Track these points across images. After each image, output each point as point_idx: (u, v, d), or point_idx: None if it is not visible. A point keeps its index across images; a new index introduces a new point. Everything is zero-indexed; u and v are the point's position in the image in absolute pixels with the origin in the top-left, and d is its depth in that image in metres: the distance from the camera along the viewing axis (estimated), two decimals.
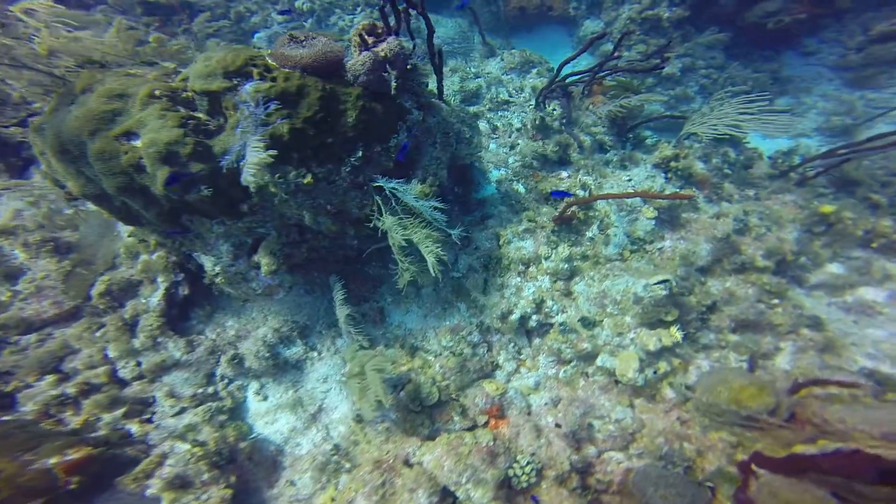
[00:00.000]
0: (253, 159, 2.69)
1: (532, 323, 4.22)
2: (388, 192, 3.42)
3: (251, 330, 4.31)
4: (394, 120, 3.52)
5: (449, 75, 6.66)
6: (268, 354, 4.18)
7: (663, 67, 4.78)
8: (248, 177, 2.73)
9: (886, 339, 4.33)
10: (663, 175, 4.99)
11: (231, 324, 4.38)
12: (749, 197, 5.52)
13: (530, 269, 4.47)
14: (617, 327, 4.07)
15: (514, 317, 4.16)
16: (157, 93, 2.78)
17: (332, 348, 4.27)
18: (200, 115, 2.87)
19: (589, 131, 5.76)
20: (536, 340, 4.32)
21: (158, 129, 2.62)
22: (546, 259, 4.36)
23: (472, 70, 6.88)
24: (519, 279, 4.42)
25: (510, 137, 5.95)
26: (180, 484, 3.47)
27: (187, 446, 3.63)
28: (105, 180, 2.87)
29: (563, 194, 4.56)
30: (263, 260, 3.29)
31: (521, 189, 5.39)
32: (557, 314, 4.21)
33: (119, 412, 3.89)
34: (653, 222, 4.61)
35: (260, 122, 2.69)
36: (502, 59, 7.14)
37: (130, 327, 4.20)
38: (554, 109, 5.98)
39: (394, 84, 3.14)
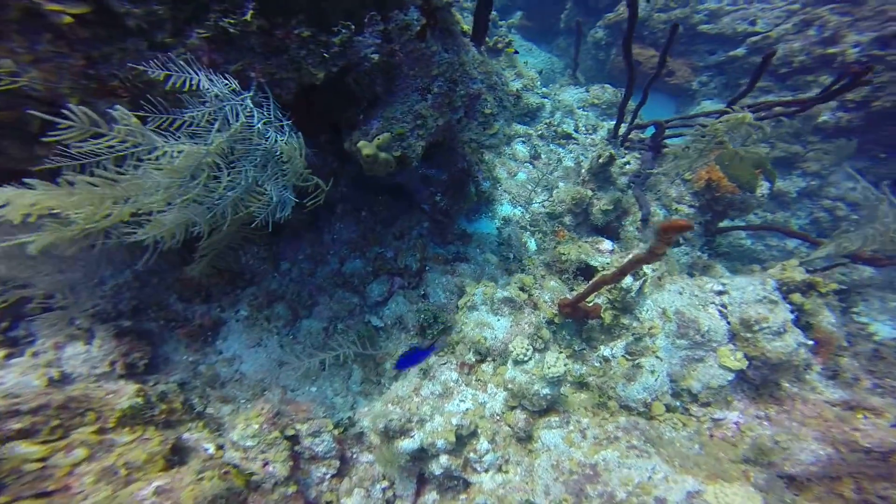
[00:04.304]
0: None
1: (434, 468, 2.18)
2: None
3: None
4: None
5: (511, 78, 5.08)
6: None
7: (857, 81, 2.89)
8: None
9: None
10: (785, 300, 2.84)
11: None
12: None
13: (483, 366, 2.50)
14: None
15: (407, 445, 2.16)
16: None
17: (55, 354, 2.33)
18: None
19: (667, 204, 3.83)
20: (431, 496, 2.25)
21: None
22: (517, 364, 2.38)
23: (541, 89, 5.28)
24: (456, 375, 2.46)
25: (552, 175, 4.14)
26: None
27: None
28: None
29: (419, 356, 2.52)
30: None
31: (532, 244, 3.50)
32: (487, 472, 2.16)
33: None
34: (732, 376, 2.51)
35: None
36: (587, 91, 5.48)
37: None
38: (628, 162, 4.14)
39: None
